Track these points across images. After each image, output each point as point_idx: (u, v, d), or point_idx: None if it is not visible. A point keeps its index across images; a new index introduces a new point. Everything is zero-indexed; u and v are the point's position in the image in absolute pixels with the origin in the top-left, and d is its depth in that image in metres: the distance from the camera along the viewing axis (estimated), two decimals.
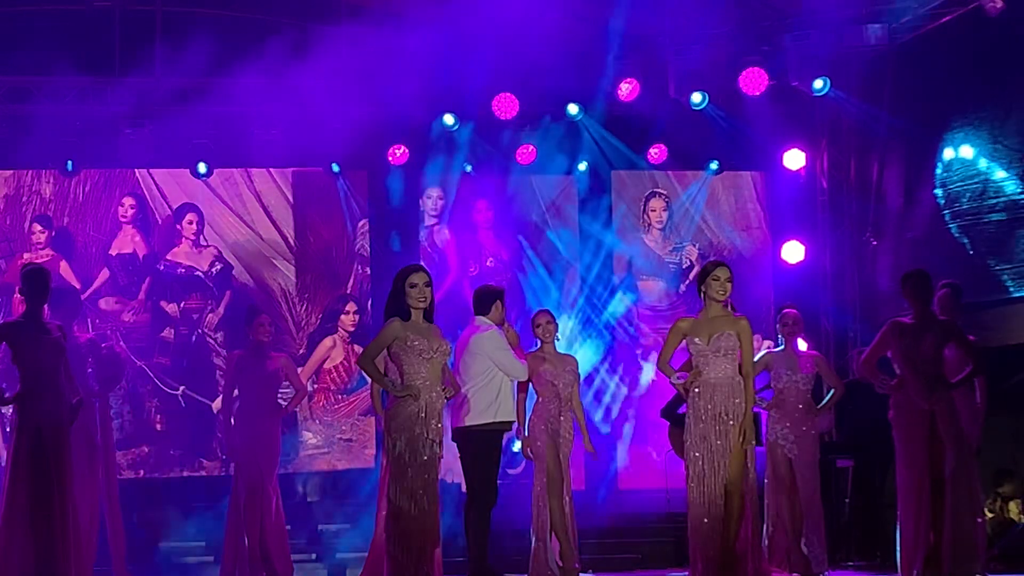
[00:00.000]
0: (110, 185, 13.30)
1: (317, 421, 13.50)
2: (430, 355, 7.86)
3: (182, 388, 13.27)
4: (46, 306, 8.94)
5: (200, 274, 13.41)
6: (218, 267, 13.44)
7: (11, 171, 13.08)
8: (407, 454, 7.81)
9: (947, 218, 12.27)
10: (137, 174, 13.33)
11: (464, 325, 9.33)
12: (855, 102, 13.34)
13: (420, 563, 7.76)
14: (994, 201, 11.74)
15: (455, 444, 8.88)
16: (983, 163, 11.87)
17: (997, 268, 11.68)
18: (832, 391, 10.53)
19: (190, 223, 13.38)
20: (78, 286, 12.56)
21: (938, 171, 12.42)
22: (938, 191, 12.40)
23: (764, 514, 10.30)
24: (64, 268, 13.03)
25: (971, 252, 11.90)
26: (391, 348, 7.90)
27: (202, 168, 13.15)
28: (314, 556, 12.21)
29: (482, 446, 8.92)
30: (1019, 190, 11.49)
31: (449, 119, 13.08)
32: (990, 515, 11.59)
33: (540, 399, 9.74)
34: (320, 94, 12.54)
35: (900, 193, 13.04)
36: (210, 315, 13.39)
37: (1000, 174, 11.69)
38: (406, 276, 7.95)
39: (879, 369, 9.55)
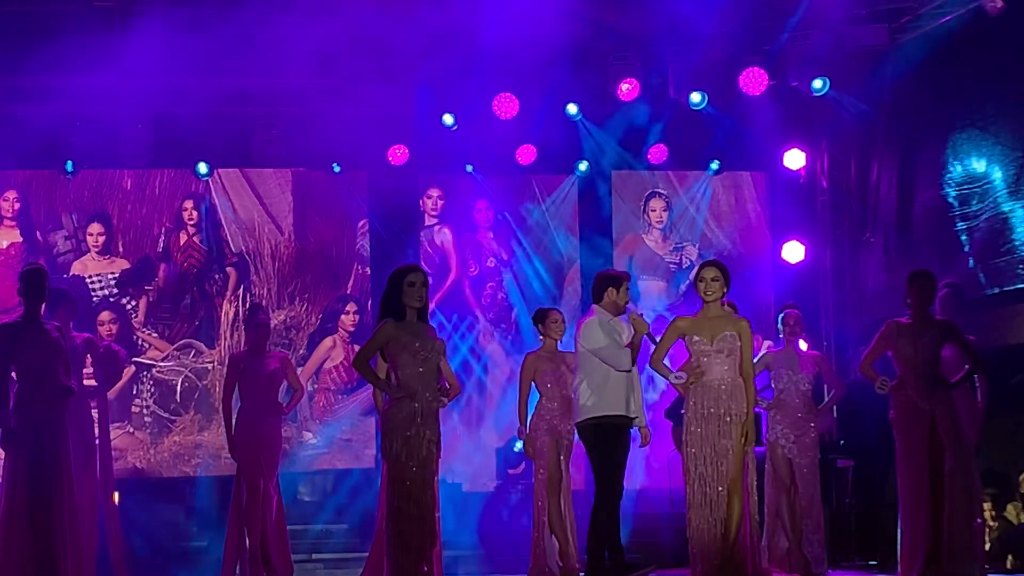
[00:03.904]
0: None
1: (317, 421, 13.50)
2: (424, 355, 7.85)
3: (182, 388, 13.27)
4: (44, 306, 8.94)
5: (200, 273, 13.42)
6: (218, 267, 13.45)
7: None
8: (403, 454, 7.81)
9: (946, 218, 12.26)
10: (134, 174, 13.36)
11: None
12: (855, 102, 13.33)
13: (419, 563, 7.77)
14: (993, 201, 11.74)
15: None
16: (982, 163, 11.86)
17: (996, 268, 11.66)
18: (832, 391, 10.56)
19: (191, 221, 13.40)
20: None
21: (937, 171, 12.41)
22: (938, 191, 12.40)
23: (764, 514, 10.31)
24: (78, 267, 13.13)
25: (970, 252, 11.90)
26: (385, 349, 7.90)
27: (202, 168, 13.15)
28: (314, 556, 12.21)
29: (595, 442, 8.84)
30: (1017, 190, 11.48)
31: (449, 119, 13.07)
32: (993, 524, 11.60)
33: (542, 398, 9.75)
34: (320, 94, 12.54)
35: (900, 193, 13.04)
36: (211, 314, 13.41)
37: (999, 174, 11.69)
38: (404, 275, 7.95)
39: (878, 370, 9.55)
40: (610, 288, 9.00)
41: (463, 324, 13.59)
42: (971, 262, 11.82)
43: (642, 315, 9.21)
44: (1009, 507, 11.80)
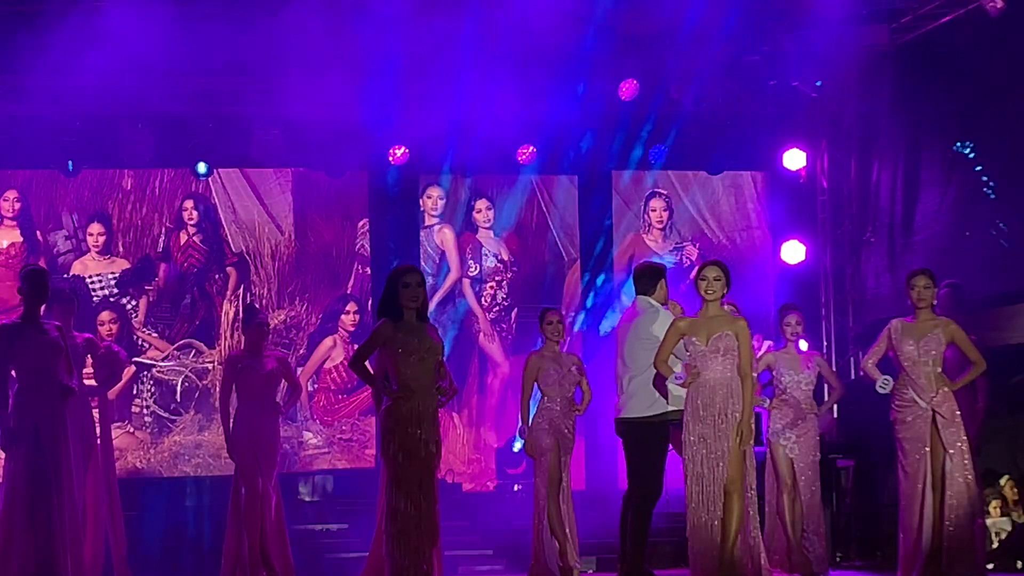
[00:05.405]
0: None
1: (317, 421, 13.50)
2: (422, 355, 7.86)
3: (182, 388, 13.27)
4: (43, 307, 8.95)
5: (200, 273, 13.42)
6: (218, 267, 13.45)
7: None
8: (401, 454, 7.82)
9: (947, 218, 12.26)
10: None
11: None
12: (855, 102, 13.34)
13: (419, 562, 7.77)
14: (992, 201, 11.74)
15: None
16: (982, 162, 11.86)
17: (996, 267, 11.66)
18: (832, 391, 10.56)
19: (191, 221, 13.40)
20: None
21: (938, 170, 12.41)
22: (938, 190, 12.40)
23: (764, 514, 10.31)
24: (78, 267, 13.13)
25: (970, 251, 11.89)
26: (383, 349, 7.90)
27: (202, 168, 13.15)
28: (314, 556, 12.20)
29: (649, 439, 8.74)
30: (1016, 190, 11.48)
31: (449, 119, 13.05)
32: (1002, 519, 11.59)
33: (544, 398, 9.76)
34: (320, 93, 12.54)
35: (900, 193, 13.03)
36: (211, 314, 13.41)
37: (998, 173, 11.69)
38: (400, 276, 7.98)
39: (880, 370, 9.54)
40: (662, 280, 8.95)
41: (463, 324, 13.59)
42: (970, 261, 11.80)
43: (677, 303, 9.19)
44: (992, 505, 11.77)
